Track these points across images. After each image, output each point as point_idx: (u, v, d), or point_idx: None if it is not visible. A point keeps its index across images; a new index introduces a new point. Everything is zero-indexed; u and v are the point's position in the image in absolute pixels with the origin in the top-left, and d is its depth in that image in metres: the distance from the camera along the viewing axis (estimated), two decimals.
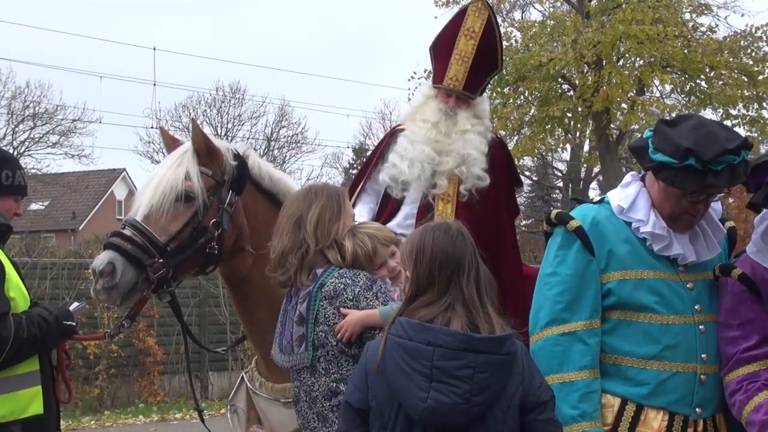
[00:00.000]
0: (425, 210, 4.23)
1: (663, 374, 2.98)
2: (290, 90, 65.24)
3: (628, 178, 3.22)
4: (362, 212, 4.20)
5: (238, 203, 3.65)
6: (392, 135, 4.43)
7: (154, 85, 31.82)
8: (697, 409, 3.00)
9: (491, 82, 17.58)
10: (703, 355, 3.02)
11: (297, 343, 3.18)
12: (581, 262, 3.03)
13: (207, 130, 36.93)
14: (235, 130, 38.19)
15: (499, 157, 4.37)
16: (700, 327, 3.04)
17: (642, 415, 2.97)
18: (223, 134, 37.84)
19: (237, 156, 3.70)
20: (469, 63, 4.24)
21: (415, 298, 2.68)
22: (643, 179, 3.16)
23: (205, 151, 3.62)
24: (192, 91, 38.27)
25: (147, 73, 57.89)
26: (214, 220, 3.54)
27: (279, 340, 3.29)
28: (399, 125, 4.49)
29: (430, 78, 4.59)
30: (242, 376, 3.95)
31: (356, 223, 3.43)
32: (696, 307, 3.05)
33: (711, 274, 3.12)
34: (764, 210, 3.12)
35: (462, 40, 4.28)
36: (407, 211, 4.19)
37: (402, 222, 4.15)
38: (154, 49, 31.81)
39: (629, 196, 3.09)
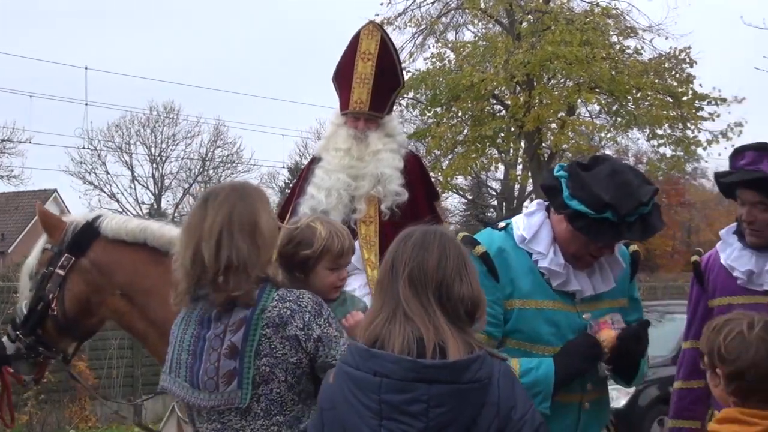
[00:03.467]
0: None
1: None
2: (225, 110, 64.82)
3: (533, 206, 3.24)
4: None
5: (77, 263, 3.95)
6: (310, 167, 4.51)
7: (86, 104, 31.34)
8: None
9: (424, 100, 17.54)
10: (588, 385, 3.07)
11: (225, 380, 2.64)
12: (485, 286, 2.92)
13: (140, 150, 36.12)
14: (169, 150, 37.90)
15: (415, 172, 4.45)
16: None
17: None
18: (157, 154, 37.48)
19: (87, 223, 4.00)
20: (370, 84, 4.32)
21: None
22: (548, 208, 3.18)
23: (49, 229, 4.05)
24: (125, 111, 37.72)
25: (79, 92, 56.90)
26: (49, 285, 3.94)
27: (188, 373, 2.72)
28: (316, 157, 4.56)
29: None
30: (173, 406, 4.01)
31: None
32: None
33: (607, 302, 3.15)
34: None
35: (360, 64, 4.36)
36: None
37: None
38: (86, 68, 31.23)
39: (533, 227, 3.11)
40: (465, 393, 2.16)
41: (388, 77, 4.42)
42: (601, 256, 3.09)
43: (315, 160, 4.51)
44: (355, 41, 4.44)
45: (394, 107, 4.79)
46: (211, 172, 38.30)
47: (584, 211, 2.92)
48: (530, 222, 3.14)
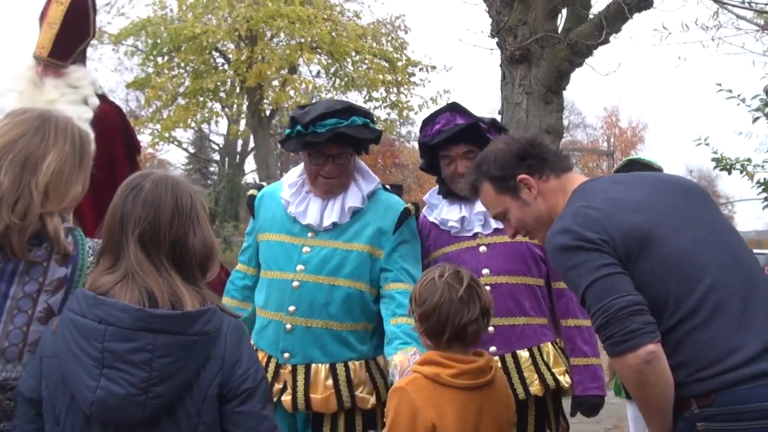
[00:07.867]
0: None
1: (264, 321, 3.50)
2: None
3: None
4: None
5: None
6: None
7: None
8: (285, 354, 3.40)
9: (146, 50, 16.78)
10: (290, 308, 3.40)
11: (31, 348, 2.30)
12: (249, 224, 3.71)
13: None
14: None
15: (113, 125, 4.39)
16: (294, 284, 3.41)
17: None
18: None
19: None
20: (56, 29, 4.19)
21: (97, 264, 2.26)
22: None
23: None
24: None
25: None
26: None
27: None
28: None
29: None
30: None
31: None
32: (299, 267, 3.43)
33: (341, 243, 3.46)
34: None
35: (53, 7, 4.22)
36: None
37: None
38: None
39: (293, 174, 3.63)
40: (191, 345, 2.12)
41: (77, 26, 4.29)
42: (327, 175, 3.44)
43: None
44: None
45: (87, 59, 4.67)
46: None
47: (286, 134, 3.50)
48: (293, 171, 3.68)
